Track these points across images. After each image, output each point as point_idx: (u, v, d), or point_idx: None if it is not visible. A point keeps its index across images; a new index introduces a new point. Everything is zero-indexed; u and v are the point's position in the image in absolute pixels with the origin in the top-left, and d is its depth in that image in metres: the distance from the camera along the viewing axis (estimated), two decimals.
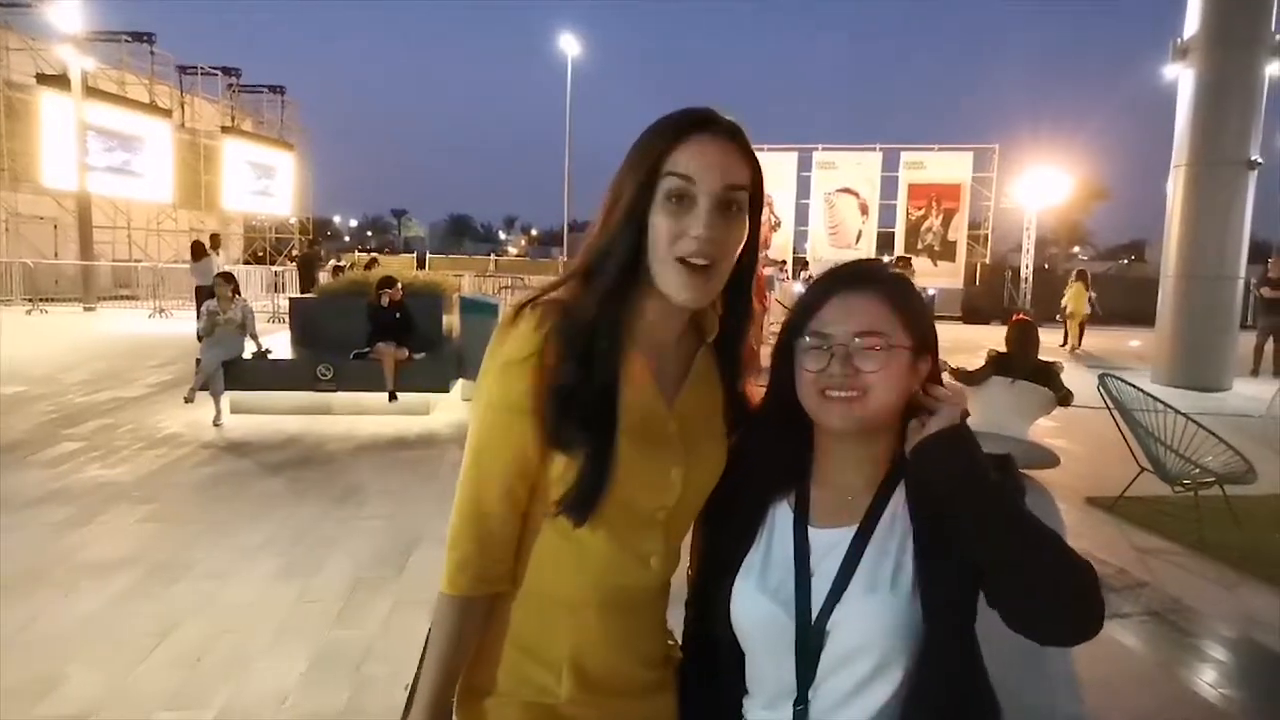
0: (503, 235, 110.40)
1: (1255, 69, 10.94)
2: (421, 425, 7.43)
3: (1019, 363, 5.21)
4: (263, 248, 29.21)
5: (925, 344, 1.07)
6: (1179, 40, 11.39)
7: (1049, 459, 4.98)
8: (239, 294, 7.96)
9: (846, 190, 25.06)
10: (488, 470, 1.05)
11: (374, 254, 25.21)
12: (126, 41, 23.66)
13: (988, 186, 24.88)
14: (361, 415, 7.56)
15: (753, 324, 1.18)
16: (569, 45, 29.74)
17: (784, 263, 23.58)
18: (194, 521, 4.80)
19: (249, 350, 7.73)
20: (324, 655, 3.22)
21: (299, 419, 7.43)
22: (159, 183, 23.17)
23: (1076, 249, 57.82)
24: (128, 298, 19.92)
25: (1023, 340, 5.36)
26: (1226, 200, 11.02)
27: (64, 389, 8.67)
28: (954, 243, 24.48)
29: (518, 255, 74.19)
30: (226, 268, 13.74)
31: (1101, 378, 5.49)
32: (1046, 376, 5.16)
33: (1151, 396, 5.35)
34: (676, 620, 1.22)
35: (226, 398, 7.36)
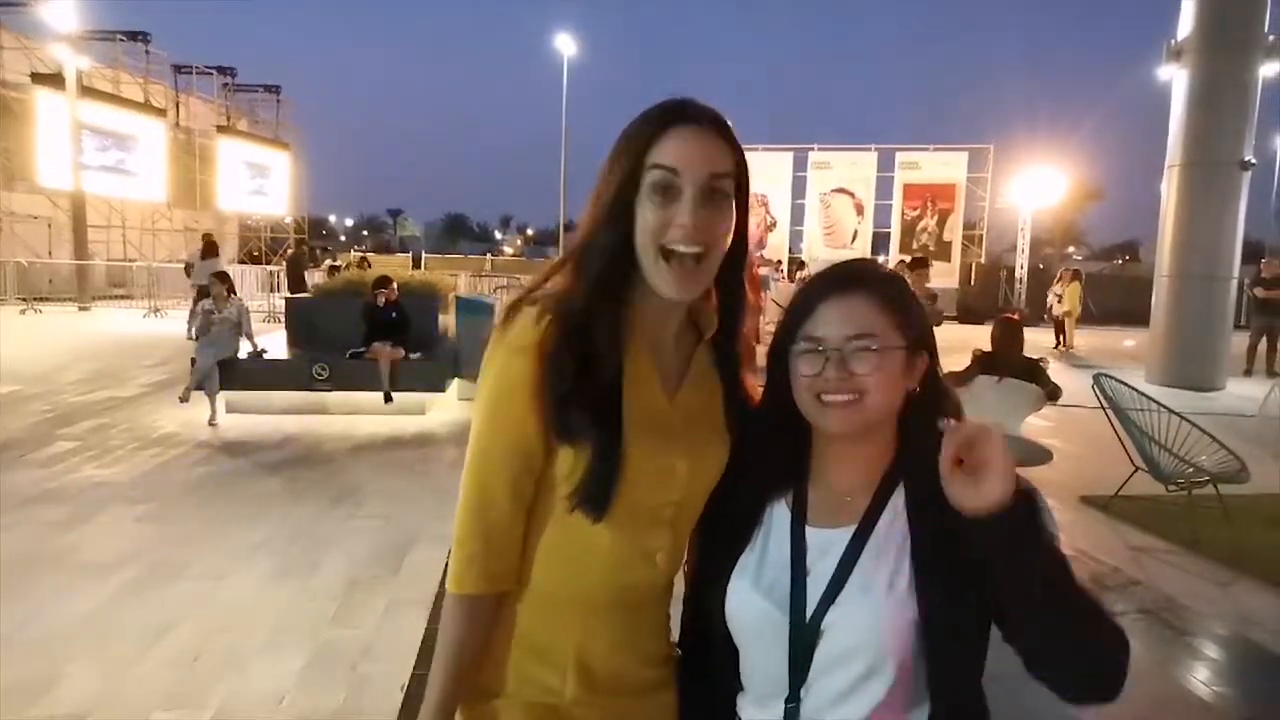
0: (499, 235, 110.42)
1: (1249, 70, 10.98)
2: (418, 425, 7.43)
3: (1004, 361, 5.23)
4: (258, 247, 29.11)
5: (920, 342, 1.07)
6: (1173, 41, 11.43)
7: (1043, 455, 5.00)
8: (234, 293, 7.95)
9: (842, 190, 25.07)
10: (492, 466, 1.05)
11: (364, 255, 25.15)
12: (121, 40, 23.56)
13: (983, 186, 24.90)
14: (357, 415, 7.55)
15: (748, 315, 1.18)
16: (565, 45, 29.70)
17: (779, 262, 23.60)
18: (190, 521, 4.79)
19: (244, 350, 7.72)
20: (320, 655, 3.22)
21: (295, 419, 7.42)
22: (154, 182, 23.08)
23: (1071, 249, 57.95)
24: (122, 297, 19.86)
25: (1007, 338, 5.38)
26: (1220, 201, 11.06)
27: (59, 388, 8.65)
28: (949, 243, 24.49)
29: (514, 255, 74.16)
30: (221, 267, 13.76)
31: (1096, 377, 5.51)
32: (1033, 373, 5.18)
33: (1146, 396, 5.37)
34: (676, 618, 1.23)
35: (222, 397, 7.35)
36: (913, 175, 24.83)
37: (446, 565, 1.09)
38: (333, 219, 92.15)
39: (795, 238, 25.83)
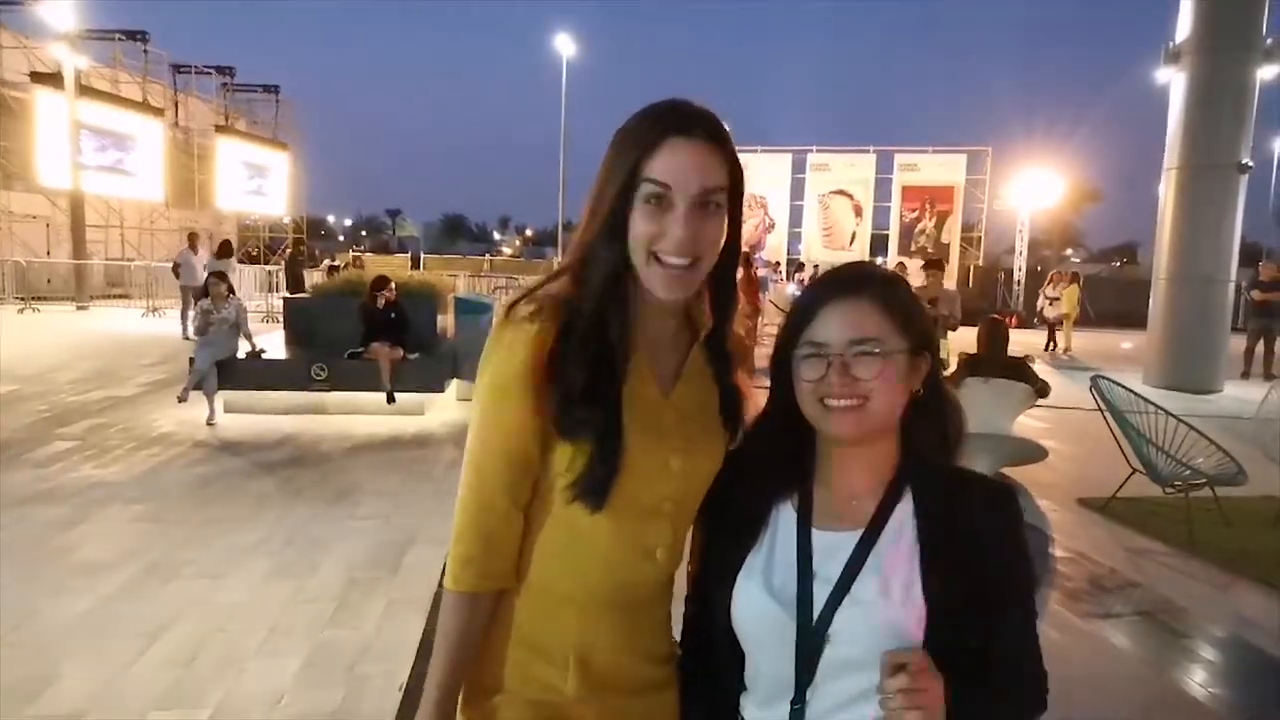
0: (497, 235, 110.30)
1: (1246, 73, 11.01)
2: (416, 425, 7.43)
3: (990, 361, 5.25)
4: (256, 247, 29.09)
5: (922, 343, 1.07)
6: (1171, 44, 11.45)
7: (1038, 452, 5.02)
8: (234, 293, 7.95)
9: (840, 192, 25.11)
10: (490, 464, 1.06)
11: (357, 255, 25.15)
12: (120, 40, 23.53)
13: (981, 189, 24.95)
14: (356, 415, 7.55)
15: (746, 317, 1.19)
16: (564, 46, 29.71)
17: (777, 264, 23.63)
18: (187, 521, 4.79)
19: (243, 350, 7.71)
20: (318, 655, 3.22)
21: (293, 419, 7.42)
22: (152, 182, 23.05)
23: (1069, 251, 58.00)
24: (120, 297, 19.85)
25: (992, 339, 5.41)
26: (1218, 203, 11.08)
27: (56, 388, 8.64)
28: (947, 245, 24.53)
29: (512, 255, 74.09)
30: (233, 267, 13.88)
31: (1094, 379, 5.52)
32: (1020, 371, 5.20)
33: (1143, 398, 5.39)
34: (678, 617, 1.23)
35: (220, 397, 7.34)
36: (911, 177, 24.88)
37: (445, 564, 1.09)
38: (331, 219, 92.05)
39: (794, 239, 25.89)
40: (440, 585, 1.10)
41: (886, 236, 25.40)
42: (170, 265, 15.01)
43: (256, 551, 4.29)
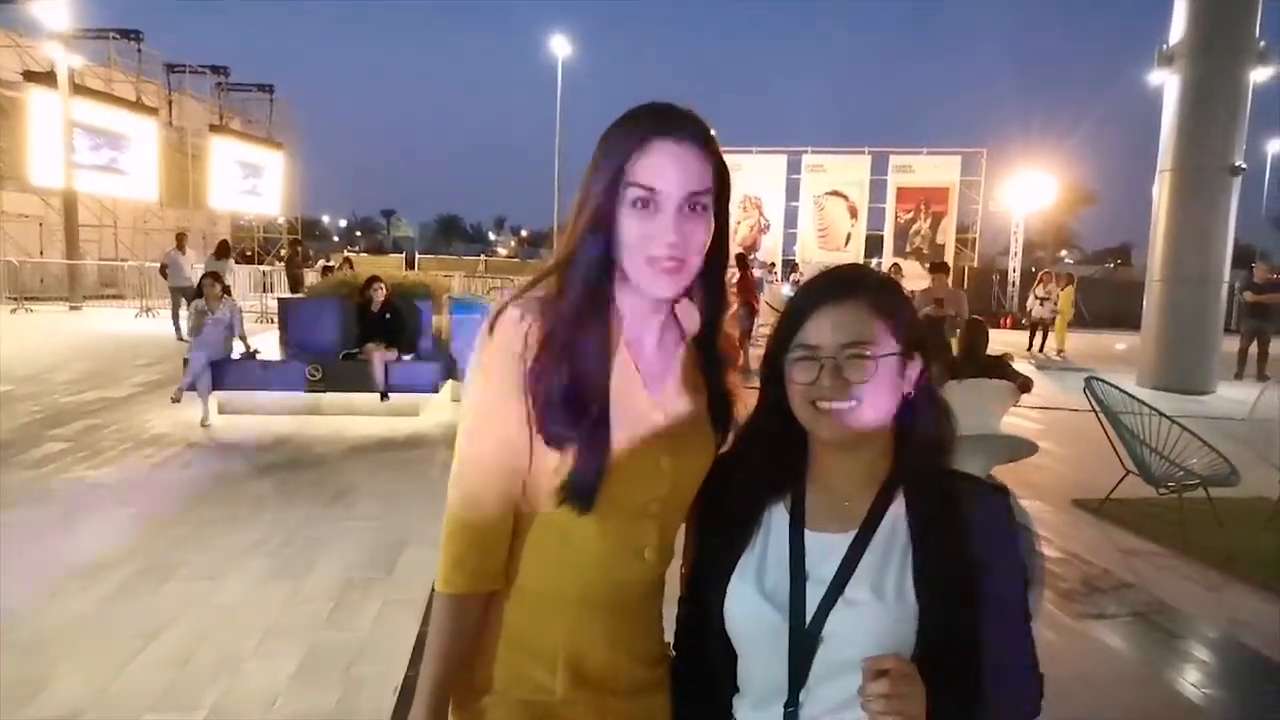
0: (492, 236, 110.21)
1: (1239, 75, 11.06)
2: (411, 426, 7.42)
3: (967, 362, 5.28)
4: (250, 247, 29.02)
5: (914, 345, 1.08)
6: (1164, 47, 11.51)
7: (1028, 448, 5.04)
8: (229, 294, 7.93)
9: (836, 193, 25.17)
10: (480, 466, 1.07)
11: (347, 257, 25.11)
12: (114, 39, 23.45)
13: (976, 190, 25.03)
14: (351, 416, 7.54)
15: (745, 318, 1.20)
16: (559, 46, 29.69)
17: (773, 265, 23.66)
18: (182, 522, 4.78)
19: (237, 350, 7.69)
20: (313, 656, 3.21)
21: (287, 420, 7.40)
22: (146, 181, 22.97)
23: (1064, 252, 58.20)
24: (114, 297, 19.78)
25: (972, 341, 5.44)
26: (1211, 205, 11.13)
27: (49, 389, 8.61)
28: (942, 246, 24.60)
29: (507, 256, 73.93)
30: (230, 268, 13.88)
31: (1087, 380, 5.54)
32: (999, 368, 5.22)
33: (1136, 399, 5.40)
34: (670, 619, 1.23)
35: (214, 398, 7.33)
36: (906, 178, 24.95)
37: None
38: (326, 219, 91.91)
39: (789, 240, 25.92)
40: (434, 587, 1.11)
41: (881, 238, 25.45)
42: (158, 266, 15.01)
43: (252, 553, 4.28)
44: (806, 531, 1.08)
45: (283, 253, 26.68)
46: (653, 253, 1.03)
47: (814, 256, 23.94)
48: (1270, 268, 13.01)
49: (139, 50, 24.09)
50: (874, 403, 1.03)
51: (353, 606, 3.68)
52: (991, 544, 1.04)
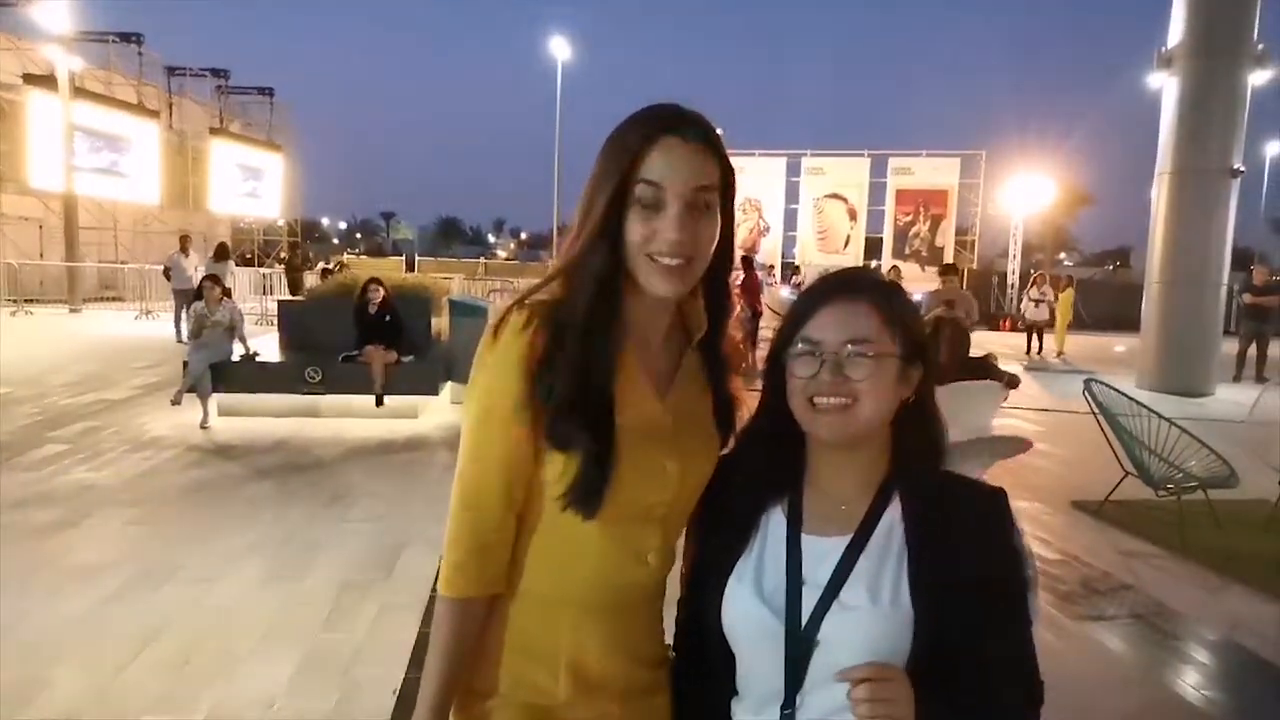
0: (492, 238, 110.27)
1: (1238, 78, 11.07)
2: (410, 429, 7.41)
3: (951, 366, 5.28)
4: (250, 250, 29.02)
5: (916, 352, 1.08)
6: (1163, 49, 11.52)
7: (1022, 445, 5.05)
8: (229, 296, 7.93)
9: (835, 196, 25.17)
10: (483, 470, 1.06)
11: (341, 260, 25.15)
12: (114, 42, 23.47)
13: (975, 192, 25.03)
14: (350, 418, 7.53)
15: (749, 320, 1.20)
16: (559, 48, 29.71)
17: (772, 267, 23.68)
18: (181, 524, 4.78)
19: (237, 353, 7.69)
20: (312, 658, 3.21)
21: (287, 422, 7.40)
22: (146, 184, 22.98)
23: (1063, 255, 58.19)
24: (113, 299, 19.78)
25: (951, 345, 5.44)
26: (1210, 207, 11.14)
27: (49, 391, 8.60)
28: (941, 248, 24.60)
29: (507, 258, 73.95)
30: (230, 270, 13.91)
31: (1087, 382, 5.54)
32: (985, 368, 5.23)
33: (1135, 401, 5.40)
34: (669, 621, 1.23)
35: (214, 400, 7.32)
36: (905, 181, 24.96)
37: (439, 569, 1.09)
38: (326, 222, 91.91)
39: (789, 243, 25.93)
40: (434, 590, 1.10)
41: (880, 240, 25.46)
42: (161, 269, 15.03)
43: (250, 555, 4.28)
44: (803, 535, 1.08)
45: (282, 255, 26.72)
46: (658, 249, 1.03)
47: (813, 259, 23.93)
48: (1269, 270, 13.00)
49: (139, 53, 24.13)
50: (870, 402, 1.04)
51: (351, 608, 3.68)
52: (990, 546, 1.04)
